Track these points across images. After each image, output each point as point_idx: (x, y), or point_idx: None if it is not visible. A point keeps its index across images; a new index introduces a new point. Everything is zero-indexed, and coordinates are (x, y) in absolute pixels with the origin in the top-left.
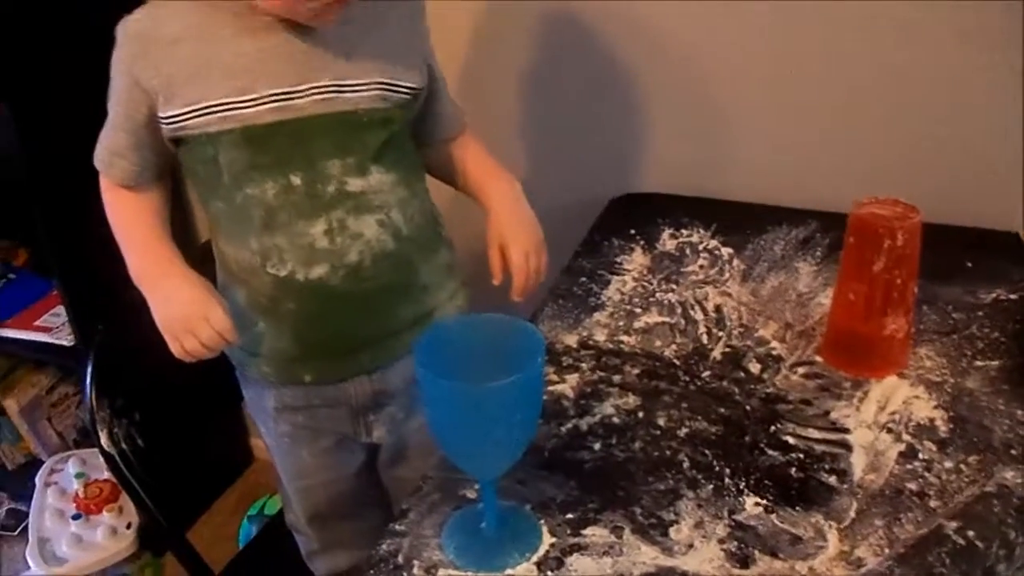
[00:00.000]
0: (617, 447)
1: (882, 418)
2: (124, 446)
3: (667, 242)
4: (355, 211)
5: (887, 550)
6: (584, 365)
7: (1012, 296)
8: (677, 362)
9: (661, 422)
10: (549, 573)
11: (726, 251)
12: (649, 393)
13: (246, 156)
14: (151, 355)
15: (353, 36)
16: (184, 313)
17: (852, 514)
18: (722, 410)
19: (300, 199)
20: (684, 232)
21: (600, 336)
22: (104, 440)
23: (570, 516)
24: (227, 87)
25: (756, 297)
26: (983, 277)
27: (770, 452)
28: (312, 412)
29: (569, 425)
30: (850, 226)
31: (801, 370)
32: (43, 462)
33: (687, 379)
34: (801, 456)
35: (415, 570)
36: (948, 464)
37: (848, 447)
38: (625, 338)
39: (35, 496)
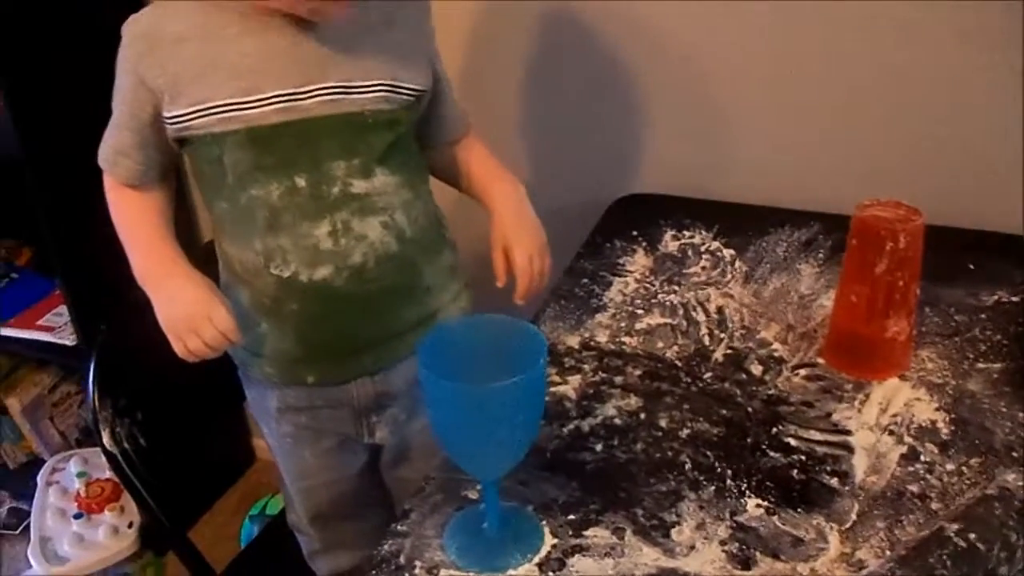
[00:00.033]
0: (619, 448)
1: (884, 420)
2: (126, 445)
3: (669, 243)
4: (359, 213)
5: (888, 552)
6: (586, 366)
7: (1014, 298)
8: (679, 363)
9: (663, 423)
10: (551, 574)
11: (728, 252)
12: (651, 394)
13: (251, 157)
14: (153, 355)
15: (359, 37)
16: (188, 313)
17: (853, 516)
18: (724, 412)
19: (305, 200)
20: (686, 233)
21: (602, 337)
22: (106, 439)
23: (572, 517)
24: (232, 87)
25: (758, 299)
26: (985, 279)
27: (772, 454)
28: (315, 413)
29: (571, 426)
30: (852, 228)
31: (803, 372)
32: (45, 461)
33: (689, 380)
34: (803, 458)
35: (417, 570)
36: (950, 466)
37: (850, 449)
38: (627, 339)
39: (37, 495)
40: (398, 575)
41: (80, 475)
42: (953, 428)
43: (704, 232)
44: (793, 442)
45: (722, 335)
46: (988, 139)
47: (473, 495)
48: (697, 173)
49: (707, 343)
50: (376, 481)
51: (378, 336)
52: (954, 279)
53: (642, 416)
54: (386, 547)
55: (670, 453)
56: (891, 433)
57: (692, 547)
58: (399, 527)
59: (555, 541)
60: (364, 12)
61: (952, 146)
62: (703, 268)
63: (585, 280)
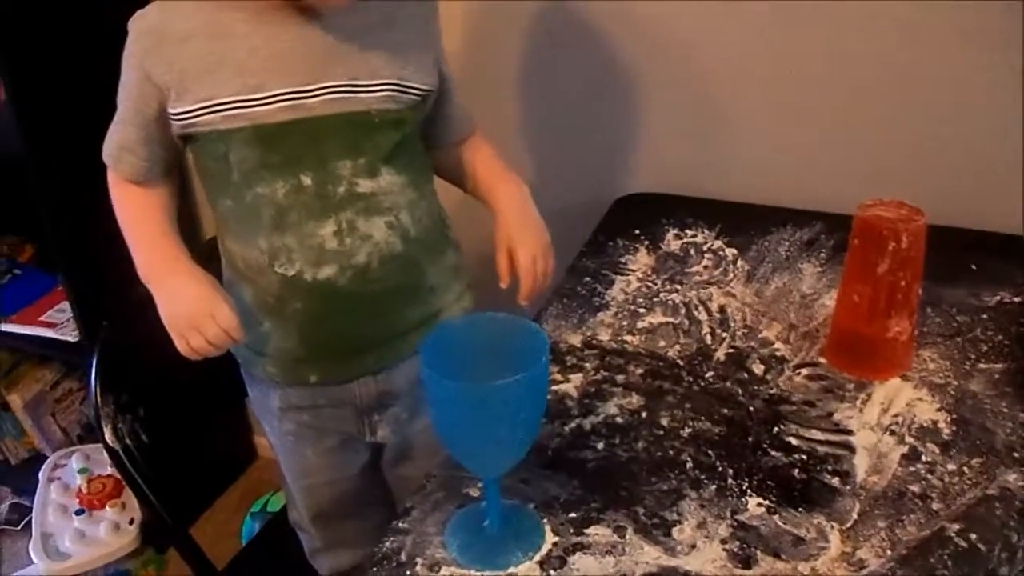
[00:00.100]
0: (620, 447)
1: (885, 420)
2: (128, 442)
3: (671, 242)
4: (364, 212)
5: (889, 551)
6: (588, 365)
7: (1016, 299)
8: (681, 362)
9: (664, 422)
10: (552, 572)
11: (730, 252)
12: (653, 393)
13: (257, 155)
14: (156, 351)
15: (366, 36)
16: (190, 310)
17: (854, 515)
18: (725, 411)
19: (310, 199)
20: (688, 233)
21: (604, 336)
22: (108, 436)
23: (573, 515)
24: (239, 84)
25: (760, 298)
26: (987, 280)
27: (773, 453)
28: (317, 412)
29: (573, 424)
30: (855, 228)
31: (804, 371)
32: (47, 457)
33: (690, 379)
34: (804, 457)
35: (418, 568)
36: (951, 466)
37: (851, 449)
38: (629, 338)
39: (38, 491)
40: (399, 572)
41: (82, 471)
42: (954, 428)
43: (706, 231)
44: (794, 441)
45: (724, 334)
46: (990, 139)
47: (474, 493)
48: (699, 172)
49: (709, 342)
50: (377, 480)
51: (381, 336)
52: (956, 279)
53: (644, 415)
54: (387, 544)
55: (671, 452)
56: (892, 433)
57: (693, 546)
58: (400, 524)
59: (556, 539)
60: (370, 11)
61: (954, 146)
62: (705, 267)
63: (587, 279)
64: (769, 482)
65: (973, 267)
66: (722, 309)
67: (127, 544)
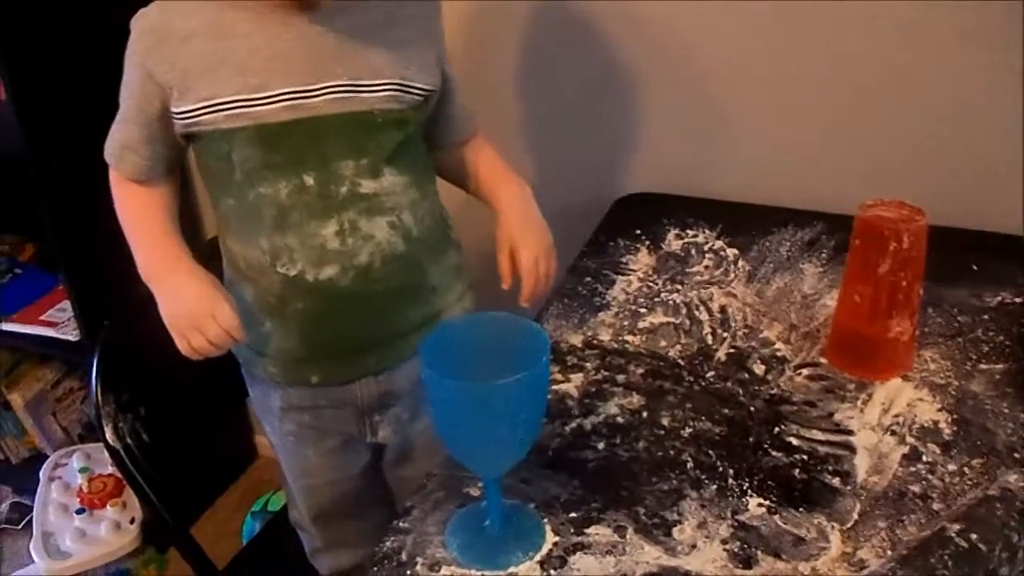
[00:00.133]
0: (621, 447)
1: (886, 420)
2: (129, 441)
3: (672, 242)
4: (367, 212)
5: (890, 552)
6: (589, 365)
7: (1017, 299)
8: (681, 362)
9: (665, 422)
10: (552, 572)
11: (731, 252)
12: (653, 393)
13: (259, 154)
14: (156, 351)
15: (368, 36)
16: (191, 310)
17: (855, 516)
18: (726, 411)
19: (313, 199)
20: (689, 233)
21: (605, 336)
22: (109, 435)
23: (573, 515)
24: (241, 84)
25: (761, 298)
26: (988, 280)
27: (774, 453)
28: (318, 412)
29: (573, 424)
30: (856, 228)
31: (805, 372)
32: (48, 456)
33: (691, 379)
34: (805, 457)
35: (418, 567)
36: (951, 467)
37: (852, 449)
38: (630, 338)
39: (39, 490)
40: (399, 572)
41: (82, 471)
42: (955, 429)
43: (707, 231)
44: (795, 442)
45: (725, 334)
46: (990, 140)
47: (475, 492)
48: (700, 172)
49: (710, 342)
50: (378, 480)
51: (382, 336)
52: (957, 280)
53: (644, 415)
54: (388, 544)
55: (672, 452)
56: (893, 433)
57: (693, 546)
58: (401, 524)
59: (556, 539)
60: (373, 11)
61: (954, 146)
62: (706, 267)
63: (588, 279)
64: (770, 482)
65: (974, 267)
66: (723, 309)
67: (128, 543)
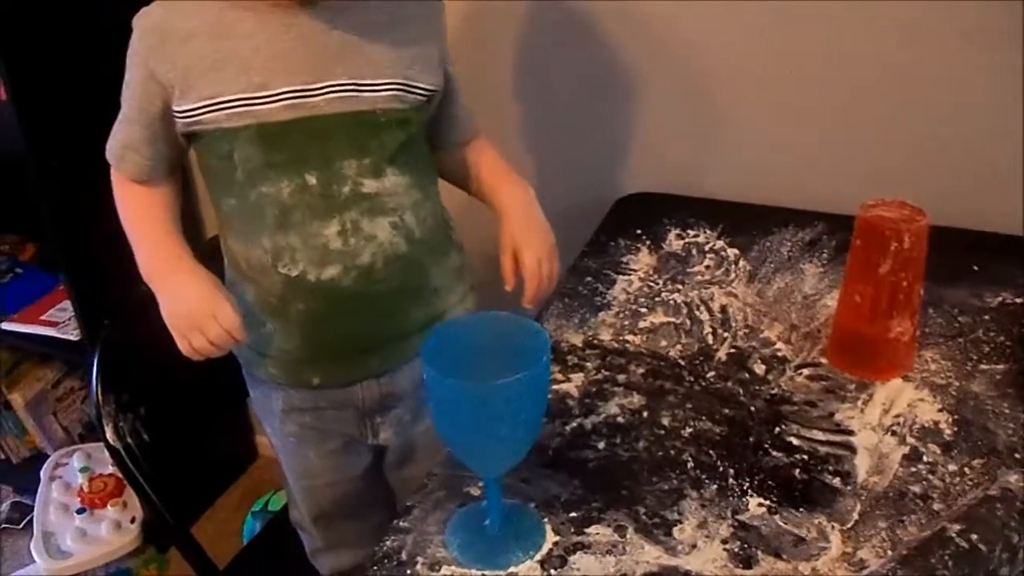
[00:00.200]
0: (621, 446)
1: (886, 420)
2: (129, 441)
3: (673, 242)
4: (369, 213)
5: (890, 552)
6: (589, 364)
7: (1018, 300)
8: (682, 362)
9: (665, 422)
10: (552, 571)
11: (732, 252)
12: (654, 393)
13: (261, 153)
14: (157, 350)
15: (371, 35)
16: (192, 310)
17: (855, 516)
18: (726, 411)
19: (315, 199)
20: (690, 232)
21: (605, 336)
22: (109, 434)
23: (574, 515)
24: (243, 82)
25: (762, 298)
26: (989, 281)
27: (774, 453)
28: (319, 414)
29: (574, 424)
30: (857, 228)
31: (806, 372)
32: (48, 456)
33: (692, 379)
34: (805, 457)
35: (419, 567)
36: (952, 467)
37: (852, 449)
38: (630, 338)
39: (40, 490)
40: (400, 571)
41: (83, 470)
42: (956, 429)
43: (708, 231)
44: (795, 442)
45: (725, 334)
46: (990, 140)
47: (475, 492)
48: (700, 172)
49: (710, 342)
50: (379, 481)
51: (384, 337)
52: (958, 280)
53: (645, 414)
54: (388, 543)
55: (672, 452)
56: (894, 433)
57: (694, 545)
58: (401, 523)
59: (557, 538)
60: (376, 10)
61: (954, 146)
62: (707, 267)
63: (589, 278)
64: (770, 482)
65: (975, 268)
66: (724, 309)
67: (128, 543)
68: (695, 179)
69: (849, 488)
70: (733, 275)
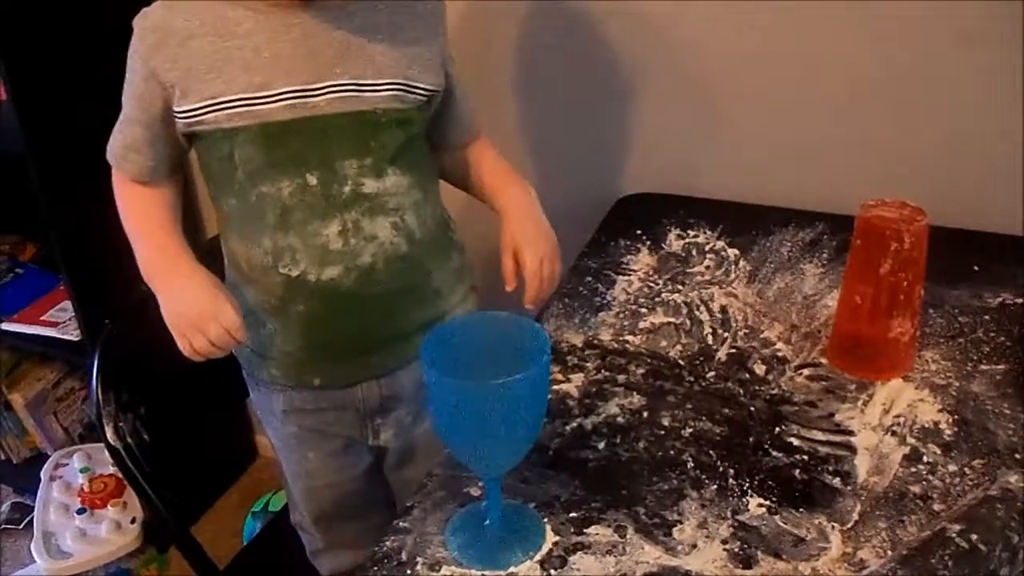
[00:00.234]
0: (621, 447)
1: (887, 421)
2: (129, 441)
3: (673, 243)
4: (370, 213)
5: (890, 552)
6: (589, 364)
7: (1018, 300)
8: (682, 362)
9: (665, 422)
10: (552, 572)
11: (732, 252)
12: (654, 393)
13: (262, 153)
14: (157, 351)
15: (372, 35)
16: (193, 311)
17: (855, 516)
18: (727, 411)
19: (315, 199)
20: (690, 233)
21: (605, 336)
22: (110, 435)
23: (574, 515)
24: (244, 83)
25: (762, 298)
26: (989, 281)
27: (774, 453)
28: (320, 415)
29: (574, 424)
30: (857, 228)
31: (806, 372)
32: (48, 456)
33: (692, 380)
34: (805, 458)
35: (419, 567)
36: (952, 467)
37: (852, 449)
38: (630, 338)
39: (40, 490)
40: (400, 571)
41: (83, 470)
42: (956, 429)
43: (708, 231)
44: (795, 442)
45: (725, 334)
46: (990, 140)
47: (475, 492)
48: (700, 173)
49: (710, 342)
50: (380, 482)
51: (385, 338)
52: (958, 280)
53: (645, 415)
54: (388, 544)
55: (672, 452)
56: (894, 434)
57: (694, 546)
58: (401, 524)
59: (557, 539)
60: (377, 11)
61: (954, 146)
62: (707, 267)
63: (589, 278)
64: (770, 482)
65: (975, 268)
66: (724, 309)
67: (128, 543)
68: (695, 179)
69: (849, 488)
70: (733, 275)
